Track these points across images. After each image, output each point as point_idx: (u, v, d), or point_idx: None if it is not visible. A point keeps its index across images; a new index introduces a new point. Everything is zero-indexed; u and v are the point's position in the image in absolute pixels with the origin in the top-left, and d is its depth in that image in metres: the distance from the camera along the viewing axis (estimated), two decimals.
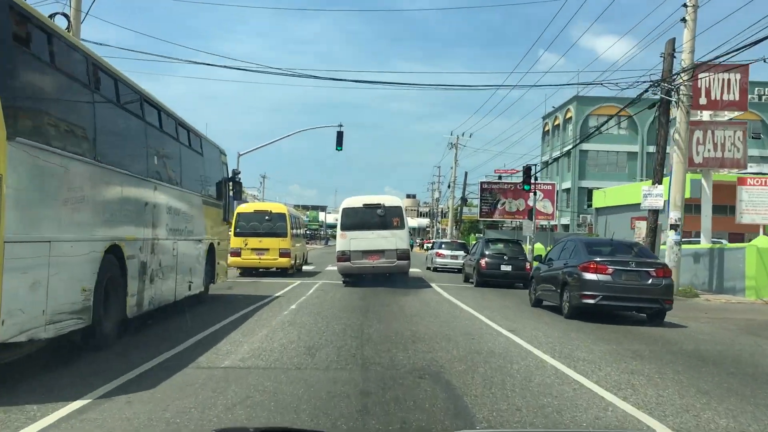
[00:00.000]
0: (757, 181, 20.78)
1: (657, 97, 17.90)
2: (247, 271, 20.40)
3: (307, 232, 32.89)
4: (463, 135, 47.00)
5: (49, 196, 5.38)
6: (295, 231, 21.56)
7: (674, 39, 17.80)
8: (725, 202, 23.13)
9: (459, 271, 24.23)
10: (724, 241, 23.91)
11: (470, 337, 8.54)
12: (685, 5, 17.38)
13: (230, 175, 14.93)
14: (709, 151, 19.86)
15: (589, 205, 45.62)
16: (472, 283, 19.22)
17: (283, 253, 20.00)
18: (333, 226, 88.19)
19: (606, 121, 25.35)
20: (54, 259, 5.29)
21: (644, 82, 17.68)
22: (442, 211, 74.03)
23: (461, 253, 25.78)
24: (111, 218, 6.77)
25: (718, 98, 19.68)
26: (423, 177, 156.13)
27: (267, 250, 19.88)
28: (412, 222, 25.30)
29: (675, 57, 17.64)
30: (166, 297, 9.23)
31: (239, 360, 6.41)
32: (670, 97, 17.64)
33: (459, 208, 48.30)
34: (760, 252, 17.21)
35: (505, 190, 41.49)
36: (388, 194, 20.13)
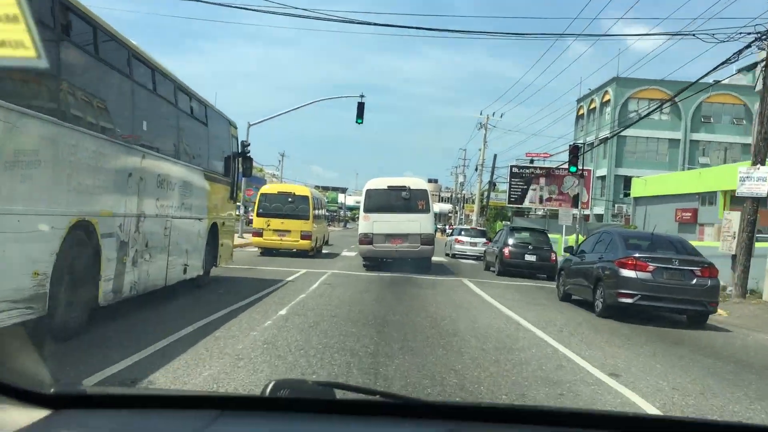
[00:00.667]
0: None
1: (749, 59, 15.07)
2: (268, 251, 20.72)
3: (326, 213, 32.91)
4: (493, 115, 45.06)
5: None
6: (317, 213, 21.83)
7: None
8: None
9: (478, 258, 24.74)
10: None
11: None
12: None
13: (240, 149, 14.06)
14: None
15: (626, 194, 43.89)
16: (493, 271, 18.97)
17: (305, 236, 20.33)
18: (353, 209, 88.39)
19: (659, 106, 23.58)
20: None
21: (748, 33, 15.08)
22: (464, 197, 72.58)
23: (481, 240, 26.46)
24: (79, 189, 5.87)
25: None
26: (445, 162, 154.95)
27: (289, 231, 20.24)
28: (435, 207, 24.76)
29: None
30: (154, 281, 8.37)
31: None
32: None
33: (486, 193, 46.48)
34: None
35: (537, 175, 40.08)
36: (409, 178, 19.10)
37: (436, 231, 19.62)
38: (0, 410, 1.37)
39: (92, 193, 6.16)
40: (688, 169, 40.79)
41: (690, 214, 29.20)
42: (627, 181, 44.21)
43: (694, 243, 20.30)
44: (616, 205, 45.68)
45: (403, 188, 17.06)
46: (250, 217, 38.25)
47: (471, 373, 5.62)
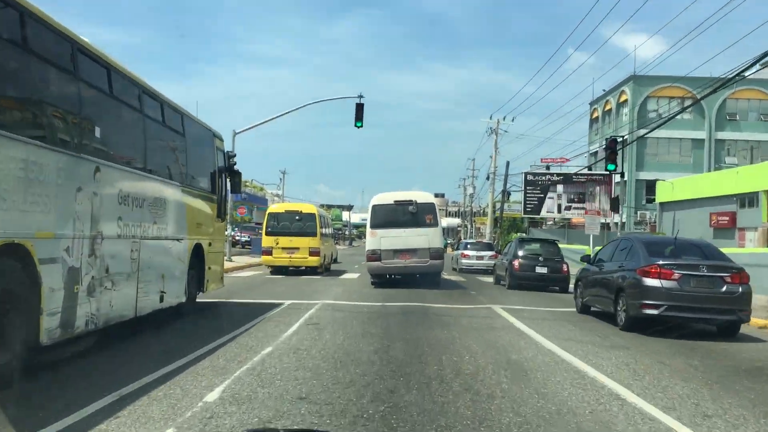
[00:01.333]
0: None
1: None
2: (278, 270, 21.96)
3: (333, 232, 33.23)
4: (504, 119, 43.54)
5: None
6: (324, 231, 22.97)
7: None
8: None
9: (485, 272, 25.30)
10: None
11: None
12: None
13: (227, 163, 13.29)
14: None
15: (649, 200, 42.69)
16: (503, 285, 18.89)
17: (313, 252, 21.45)
18: (358, 226, 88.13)
19: (686, 107, 22.64)
20: None
21: None
22: (474, 210, 71.43)
23: (488, 253, 26.96)
24: (3, 207, 5.03)
25: None
26: (451, 177, 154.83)
27: (297, 249, 21.40)
28: (443, 222, 24.27)
29: None
30: (120, 312, 7.51)
31: None
32: None
33: (499, 203, 45.08)
34: None
35: (554, 182, 38.99)
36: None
37: (445, 246, 19.71)
38: None
39: (24, 211, 5.32)
40: (716, 169, 39.60)
41: (727, 218, 27.62)
42: (649, 185, 43.04)
43: (734, 250, 19.27)
44: (638, 212, 44.49)
45: (409, 202, 17.04)
46: (246, 237, 37.57)
47: None
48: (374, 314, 11.16)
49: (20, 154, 5.27)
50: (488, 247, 28.80)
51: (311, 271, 21.88)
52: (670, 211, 30.98)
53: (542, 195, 39.01)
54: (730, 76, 15.68)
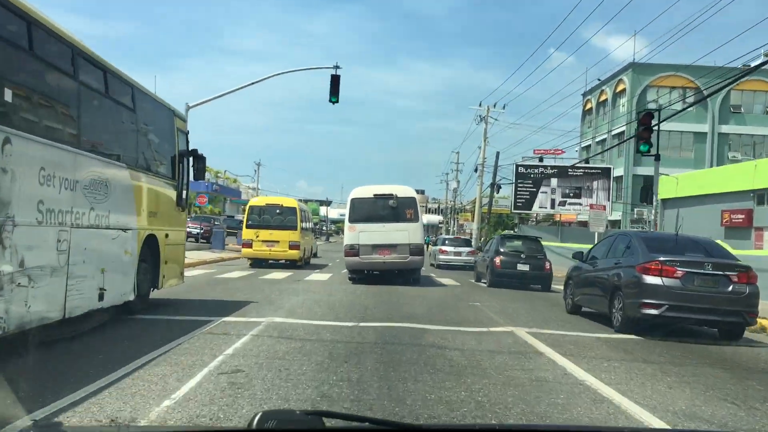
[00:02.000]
0: None
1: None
2: (258, 262, 22.63)
3: (313, 227, 33.15)
4: (495, 106, 41.76)
5: None
6: (304, 225, 23.63)
7: None
8: None
9: (463, 267, 26.39)
10: None
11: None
12: None
13: (188, 147, 12.36)
14: None
15: (647, 197, 42.03)
16: (484, 283, 19.07)
17: (293, 246, 22.13)
18: (337, 221, 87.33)
19: (693, 103, 21.90)
20: None
21: None
22: (455, 207, 70.52)
23: (465, 249, 28.21)
24: None
25: None
26: (431, 174, 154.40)
27: (277, 242, 22.08)
28: (423, 218, 24.04)
29: None
30: (41, 314, 6.54)
31: None
32: None
33: (488, 198, 43.66)
34: None
35: (547, 175, 38.02)
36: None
37: (428, 243, 19.50)
38: None
39: None
40: (718, 165, 38.99)
41: (742, 216, 26.43)
42: (648, 181, 42.36)
43: (751, 252, 18.53)
44: (635, 210, 43.79)
45: (390, 196, 17.06)
46: (198, 229, 36.29)
47: None
48: (340, 348, 7.37)
49: None
50: (466, 243, 30.04)
51: (291, 264, 22.62)
52: (673, 208, 29.92)
53: (534, 189, 37.95)
54: (732, 66, 14.91)
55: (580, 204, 38.26)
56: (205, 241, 31.70)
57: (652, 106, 39.59)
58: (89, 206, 7.67)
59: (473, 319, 10.87)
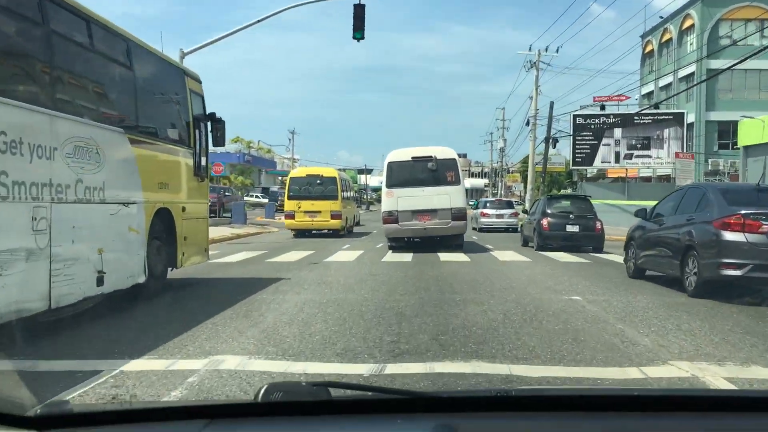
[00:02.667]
0: None
1: None
2: (301, 233, 23.46)
3: (355, 195, 33.99)
4: (546, 49, 38.35)
5: None
6: (345, 194, 24.37)
7: None
8: None
9: (506, 230, 27.14)
10: None
11: None
12: None
13: (205, 111, 11.50)
14: None
15: (724, 145, 39.17)
16: (532, 246, 18.63)
17: (335, 215, 22.94)
18: (377, 189, 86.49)
19: None
20: None
21: None
22: (503, 167, 67.91)
23: (508, 211, 28.48)
24: None
25: None
26: (472, 137, 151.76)
27: (319, 212, 22.90)
28: (466, 182, 23.31)
29: None
30: (16, 305, 5.70)
31: None
32: None
33: (543, 155, 40.34)
34: None
35: (610, 125, 35.28)
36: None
37: (474, 207, 19.09)
38: None
39: None
40: None
41: None
42: (723, 127, 39.47)
43: None
44: (709, 160, 40.95)
45: (428, 159, 16.56)
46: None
47: None
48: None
49: None
50: (508, 205, 30.08)
51: (333, 234, 23.47)
52: (759, 156, 26.66)
53: (596, 141, 35.34)
54: None
55: (649, 156, 35.47)
56: (214, 215, 30.51)
57: (725, 42, 36.66)
58: (75, 178, 6.78)
59: (603, 344, 6.09)
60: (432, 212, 16.29)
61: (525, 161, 69.46)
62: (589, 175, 41.49)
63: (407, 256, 15.16)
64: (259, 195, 53.93)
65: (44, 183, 6.17)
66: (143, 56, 9.13)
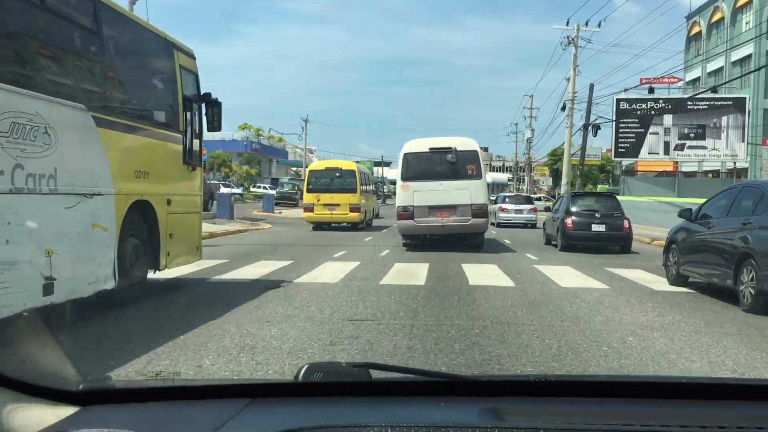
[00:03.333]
0: None
1: None
2: (319, 226, 23.95)
3: (374, 189, 34.03)
4: (587, 24, 34.81)
5: None
6: (364, 187, 25.08)
7: None
8: None
9: (524, 225, 27.87)
10: None
11: None
12: None
13: (200, 91, 10.45)
14: None
15: None
16: (555, 245, 18.30)
17: (353, 208, 23.45)
18: (395, 183, 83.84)
19: None
20: None
21: None
22: (528, 162, 65.21)
23: (527, 206, 29.00)
24: None
25: None
26: (494, 132, 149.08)
27: (338, 205, 23.41)
28: (488, 177, 22.56)
29: None
30: None
31: None
32: None
33: (581, 144, 35.44)
34: None
35: (659, 110, 32.63)
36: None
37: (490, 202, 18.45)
38: (26, 409, 1.48)
39: None
40: None
41: None
42: None
43: None
44: None
45: (448, 150, 15.86)
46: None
47: None
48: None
49: None
50: (527, 200, 30.72)
51: (352, 227, 23.85)
52: None
53: (642, 129, 33.01)
54: None
55: (704, 147, 32.55)
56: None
57: None
58: (11, 162, 5.64)
59: None
60: (450, 208, 15.58)
61: (553, 154, 66.61)
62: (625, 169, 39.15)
63: (420, 273, 11.26)
64: (268, 186, 52.18)
65: None
66: (118, 22, 8.04)
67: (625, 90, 33.49)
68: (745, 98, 33.80)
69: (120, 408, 1.55)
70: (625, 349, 6.12)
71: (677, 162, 34.81)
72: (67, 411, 1.46)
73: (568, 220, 17.66)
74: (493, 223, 26.81)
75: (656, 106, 32.84)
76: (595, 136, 32.80)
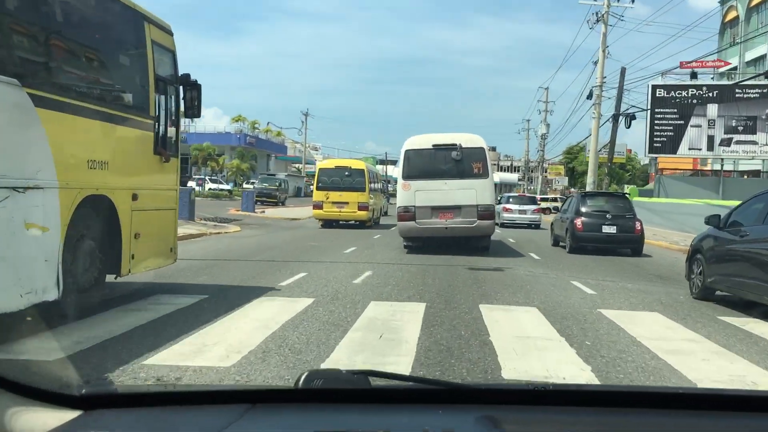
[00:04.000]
0: None
1: None
2: (328, 223, 25.03)
3: (382, 187, 35.36)
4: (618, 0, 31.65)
5: None
6: (373, 186, 26.40)
7: None
8: None
9: (528, 226, 28.99)
10: None
11: None
12: None
13: (177, 72, 9.57)
14: None
15: None
16: (563, 247, 18.48)
17: (362, 207, 24.57)
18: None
19: None
20: None
21: None
22: (541, 160, 62.86)
23: (530, 207, 30.27)
24: None
25: None
26: (501, 131, 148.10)
27: (347, 203, 24.52)
28: (495, 177, 21.66)
29: None
30: None
31: None
32: None
33: (611, 138, 32.03)
34: None
35: (702, 99, 29.66)
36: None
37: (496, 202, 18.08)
38: (29, 413, 1.52)
39: None
40: None
41: None
42: None
43: None
44: None
45: (452, 147, 15.36)
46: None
47: None
48: None
49: None
50: (531, 200, 31.98)
51: (360, 225, 24.89)
52: None
53: (681, 121, 30.73)
54: None
55: (755, 142, 29.81)
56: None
57: None
58: None
59: None
60: (455, 209, 15.20)
61: (569, 152, 64.24)
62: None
63: (406, 331, 6.69)
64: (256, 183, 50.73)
65: None
66: None
67: (662, 74, 30.80)
68: None
69: (122, 413, 1.64)
70: None
71: (723, 159, 32.34)
72: (69, 415, 1.54)
73: (578, 221, 17.65)
74: (496, 224, 26.45)
75: (699, 93, 30.31)
76: (628, 127, 29.94)
